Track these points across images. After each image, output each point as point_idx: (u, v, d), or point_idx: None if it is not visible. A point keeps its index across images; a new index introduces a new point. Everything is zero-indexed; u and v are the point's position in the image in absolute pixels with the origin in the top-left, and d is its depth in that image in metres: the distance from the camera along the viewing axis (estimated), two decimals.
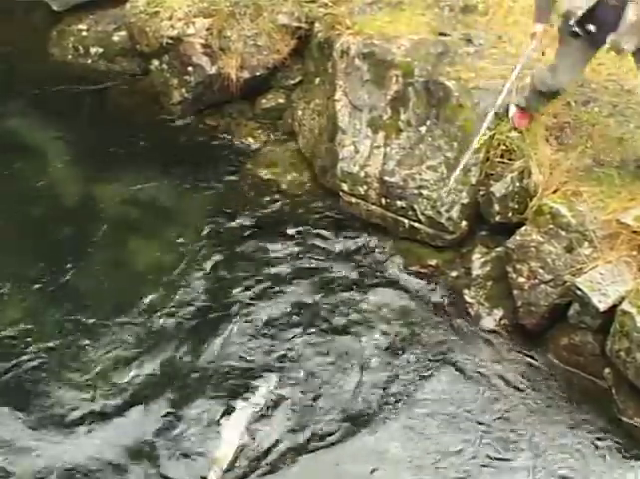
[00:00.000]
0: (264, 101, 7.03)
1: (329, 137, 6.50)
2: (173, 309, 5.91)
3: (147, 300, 5.95)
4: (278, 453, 5.19)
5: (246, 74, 6.85)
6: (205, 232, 6.42)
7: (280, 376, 5.50)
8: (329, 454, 5.22)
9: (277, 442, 5.23)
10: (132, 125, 7.07)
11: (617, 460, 5.10)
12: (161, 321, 5.83)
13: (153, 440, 5.21)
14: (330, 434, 5.27)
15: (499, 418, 5.35)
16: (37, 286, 5.97)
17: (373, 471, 5.13)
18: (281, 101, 7.02)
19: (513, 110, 5.83)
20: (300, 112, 6.88)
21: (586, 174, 5.69)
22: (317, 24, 6.72)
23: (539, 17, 5.40)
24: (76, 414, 5.33)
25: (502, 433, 5.27)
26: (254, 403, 5.37)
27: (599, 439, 5.20)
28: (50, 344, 5.64)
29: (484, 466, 5.15)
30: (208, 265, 6.18)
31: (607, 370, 5.41)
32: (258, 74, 6.88)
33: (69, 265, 6.11)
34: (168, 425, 5.28)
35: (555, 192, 5.64)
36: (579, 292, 5.33)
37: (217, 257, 6.24)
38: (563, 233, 5.52)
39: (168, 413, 5.33)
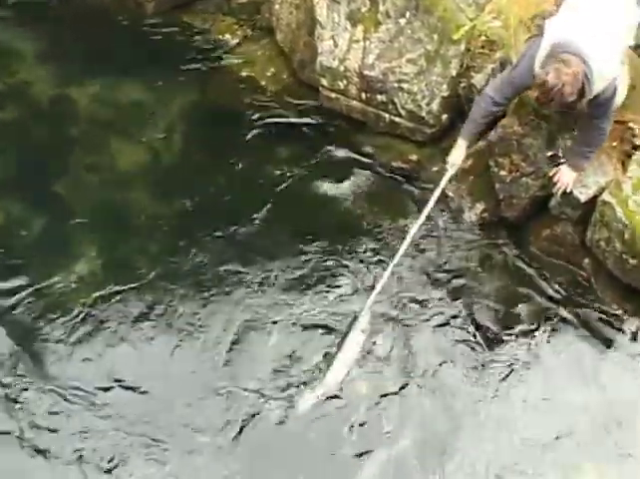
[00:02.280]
0: None
1: (307, 31, 6.37)
2: (157, 212, 5.90)
3: (130, 202, 5.94)
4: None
5: None
6: (186, 130, 6.36)
7: None
8: None
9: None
10: (104, 25, 6.89)
11: (595, 347, 5.23)
12: (146, 223, 5.84)
13: None
14: None
15: (480, 306, 5.44)
16: (18, 191, 5.92)
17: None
18: None
19: None
20: (277, 6, 6.69)
21: None
22: None
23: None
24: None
25: (484, 318, 5.39)
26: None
27: (578, 326, 5.31)
28: (33, 250, 5.65)
29: (464, 343, 5.31)
30: (190, 165, 6.14)
31: (587, 260, 5.49)
32: None
33: (49, 168, 6.07)
34: None
35: None
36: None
37: (199, 156, 6.21)
38: (544, 124, 5.50)
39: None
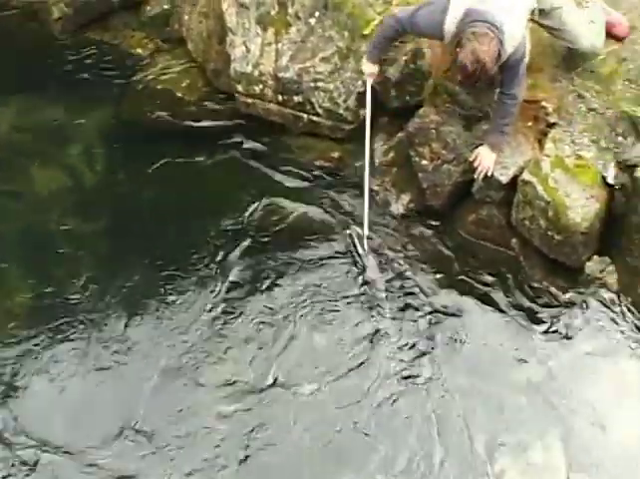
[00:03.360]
0: (148, 8, 6.81)
1: (219, 39, 6.34)
2: (81, 232, 5.83)
3: (53, 227, 5.84)
4: None
5: None
6: (105, 149, 6.30)
7: None
8: None
9: None
10: (12, 46, 6.79)
11: (528, 322, 5.28)
12: (71, 246, 5.75)
13: None
14: None
15: (414, 293, 5.46)
16: None
17: None
18: (166, 7, 6.78)
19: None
20: (187, 17, 6.66)
21: None
22: None
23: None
24: None
25: (421, 303, 5.42)
26: None
27: (511, 305, 5.36)
28: None
29: (399, 331, 5.32)
30: (112, 183, 6.08)
31: (514, 240, 5.54)
32: None
33: None
34: None
35: (449, 70, 5.63)
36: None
37: (120, 174, 6.15)
38: (460, 111, 5.56)
39: None
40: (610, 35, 5.49)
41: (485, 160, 5.33)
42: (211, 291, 5.52)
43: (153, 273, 5.62)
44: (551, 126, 5.40)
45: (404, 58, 5.75)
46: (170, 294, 5.52)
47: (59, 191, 6.09)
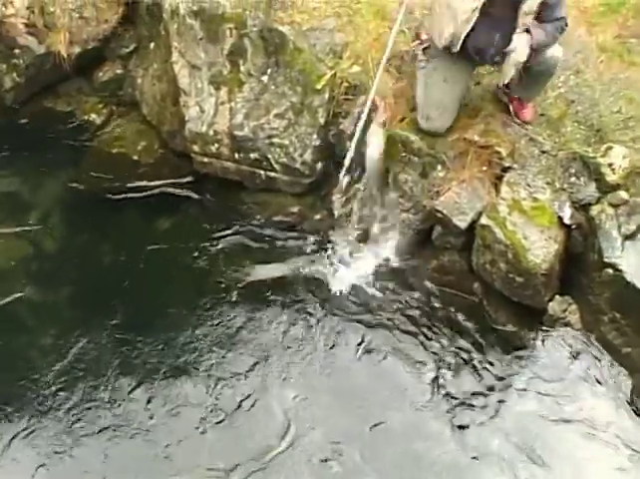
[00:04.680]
0: (101, 74, 6.79)
1: (173, 101, 6.36)
2: (41, 300, 5.75)
3: (15, 298, 5.74)
4: None
5: (77, 49, 6.58)
6: (63, 216, 6.24)
7: None
8: None
9: None
10: None
11: (494, 366, 5.28)
12: (35, 317, 5.67)
13: None
14: None
15: (381, 344, 5.45)
16: None
17: None
18: (119, 71, 6.79)
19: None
20: (140, 80, 6.70)
21: None
22: None
23: None
24: None
25: (390, 355, 5.40)
26: None
27: (476, 349, 5.37)
28: None
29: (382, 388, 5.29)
30: (72, 251, 6.01)
31: (476, 285, 5.57)
32: (90, 47, 6.62)
33: None
34: None
35: (402, 120, 5.71)
36: (439, 215, 5.46)
37: (79, 241, 6.08)
38: (416, 159, 5.60)
39: None
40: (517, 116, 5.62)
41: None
42: (172, 355, 5.46)
43: (115, 339, 5.54)
44: (506, 170, 5.47)
45: (357, 110, 5.80)
46: (134, 359, 5.44)
47: (17, 261, 5.98)
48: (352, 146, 5.51)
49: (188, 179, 6.36)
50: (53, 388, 5.30)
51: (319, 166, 6.03)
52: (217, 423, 5.15)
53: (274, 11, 6.02)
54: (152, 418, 5.17)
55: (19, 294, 5.78)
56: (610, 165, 5.29)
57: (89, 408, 5.21)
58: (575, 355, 5.23)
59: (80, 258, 5.99)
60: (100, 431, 5.13)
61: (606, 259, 5.15)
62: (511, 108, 5.57)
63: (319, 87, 5.84)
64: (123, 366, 5.41)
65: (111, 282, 5.85)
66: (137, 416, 5.18)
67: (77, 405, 5.23)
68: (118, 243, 6.07)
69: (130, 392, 5.29)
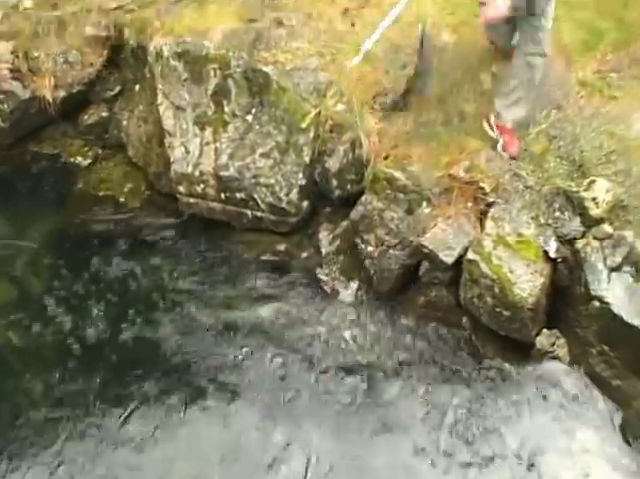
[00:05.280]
0: (86, 117, 6.85)
1: (158, 142, 6.41)
2: (28, 345, 5.72)
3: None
4: None
5: (62, 92, 6.66)
6: (49, 259, 6.23)
7: None
8: None
9: None
10: None
11: (484, 400, 5.25)
12: (17, 358, 5.65)
13: None
14: None
15: (374, 381, 5.43)
16: None
17: None
18: (104, 114, 6.85)
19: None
20: (125, 122, 6.74)
21: (414, 135, 5.82)
22: (126, 30, 6.60)
23: None
24: None
25: (383, 392, 5.38)
26: None
27: (466, 384, 5.34)
28: None
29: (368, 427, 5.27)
30: (60, 294, 5.99)
31: (464, 319, 5.57)
32: (74, 91, 6.69)
33: None
34: None
35: (387, 157, 5.75)
36: (425, 251, 5.47)
37: (67, 284, 6.07)
38: (401, 195, 5.64)
39: None
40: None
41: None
42: (159, 401, 5.42)
43: (102, 383, 5.51)
44: (491, 205, 5.50)
45: (342, 148, 5.86)
46: (121, 403, 5.40)
47: (4, 303, 5.96)
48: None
49: (175, 219, 6.36)
50: (36, 434, 5.26)
51: (305, 204, 6.05)
52: None
53: (258, 51, 6.09)
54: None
55: (4, 337, 5.76)
56: (594, 198, 5.34)
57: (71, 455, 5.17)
58: (564, 389, 5.22)
59: (67, 302, 5.97)
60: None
61: (593, 293, 5.17)
62: (501, 141, 5.65)
63: (304, 125, 5.89)
64: (108, 410, 5.37)
65: (97, 326, 5.82)
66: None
67: (59, 452, 5.18)
68: (104, 286, 6.05)
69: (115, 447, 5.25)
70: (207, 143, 6.17)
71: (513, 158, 5.61)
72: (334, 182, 5.94)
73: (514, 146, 5.63)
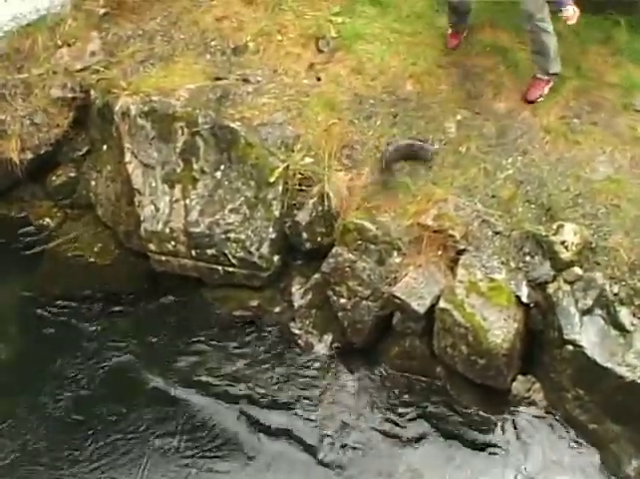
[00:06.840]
0: (54, 178, 6.77)
1: (127, 201, 6.39)
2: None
3: None
4: None
5: (29, 155, 6.60)
6: (17, 325, 6.18)
7: None
8: None
9: None
10: None
11: (460, 450, 5.24)
12: None
13: None
14: None
15: (343, 436, 5.42)
16: None
17: None
18: (72, 175, 6.78)
19: None
20: (94, 182, 6.70)
21: (382, 186, 5.84)
22: (93, 91, 6.56)
23: None
24: None
25: (353, 441, 5.39)
26: None
27: (442, 434, 5.33)
28: None
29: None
30: (29, 362, 5.95)
31: (439, 369, 5.55)
32: (42, 152, 6.64)
33: None
34: None
35: (357, 209, 5.77)
36: (398, 301, 5.48)
37: (36, 351, 6.01)
38: (372, 246, 5.65)
39: None
40: None
41: None
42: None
43: (75, 450, 5.49)
44: (461, 252, 5.53)
45: (312, 201, 5.88)
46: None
47: None
48: None
49: (146, 278, 6.32)
50: None
51: (276, 258, 6.04)
52: None
53: (224, 108, 6.12)
54: None
55: None
56: (563, 242, 5.37)
57: None
58: (542, 434, 5.22)
59: (37, 369, 5.91)
60: None
61: (566, 336, 5.18)
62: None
63: (272, 180, 5.91)
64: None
65: (69, 392, 5.77)
66: None
67: None
68: (75, 351, 5.99)
69: None
70: (176, 200, 6.16)
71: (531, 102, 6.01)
72: (304, 235, 5.93)
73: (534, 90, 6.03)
